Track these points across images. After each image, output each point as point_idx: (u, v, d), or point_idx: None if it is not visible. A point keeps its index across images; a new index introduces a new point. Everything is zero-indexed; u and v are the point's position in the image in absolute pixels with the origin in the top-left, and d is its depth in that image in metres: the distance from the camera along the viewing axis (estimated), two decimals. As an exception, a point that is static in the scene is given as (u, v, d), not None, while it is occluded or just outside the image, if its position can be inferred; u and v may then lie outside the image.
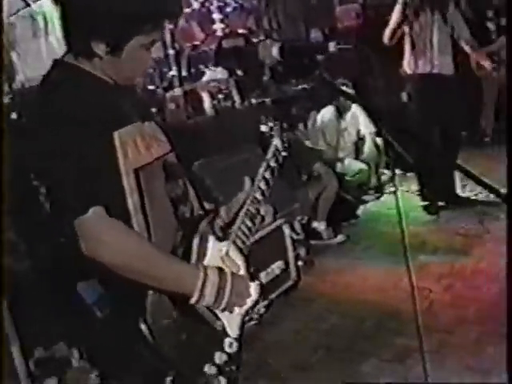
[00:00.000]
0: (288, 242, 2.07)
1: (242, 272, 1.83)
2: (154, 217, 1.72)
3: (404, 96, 6.32)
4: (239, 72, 6.73)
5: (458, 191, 5.72)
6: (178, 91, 5.71)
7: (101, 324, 1.72)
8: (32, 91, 1.79)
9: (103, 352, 1.79)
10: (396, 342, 3.62)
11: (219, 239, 1.81)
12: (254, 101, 6.26)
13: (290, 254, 2.08)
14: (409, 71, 5.39)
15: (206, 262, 1.75)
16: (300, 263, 2.20)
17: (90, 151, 1.59)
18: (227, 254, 1.81)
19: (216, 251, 1.79)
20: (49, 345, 3.25)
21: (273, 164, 2.02)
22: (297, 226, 2.07)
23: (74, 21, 1.67)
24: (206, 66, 6.38)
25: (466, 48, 5.46)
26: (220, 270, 1.74)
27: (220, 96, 5.96)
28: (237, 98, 6.07)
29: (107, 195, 1.61)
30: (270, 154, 2.02)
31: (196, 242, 1.75)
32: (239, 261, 1.83)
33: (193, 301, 1.68)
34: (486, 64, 5.80)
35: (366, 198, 6.10)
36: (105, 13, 1.61)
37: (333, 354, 3.57)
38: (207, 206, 1.93)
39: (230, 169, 4.38)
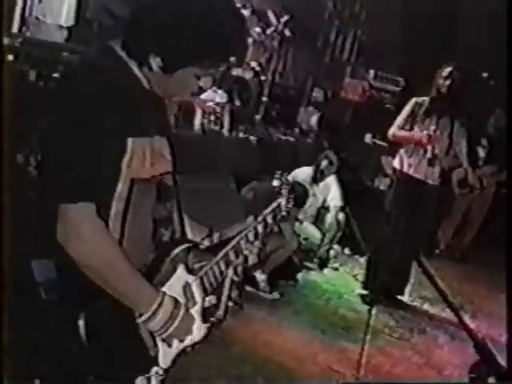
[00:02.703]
0: (227, 280, 2.08)
1: (197, 309, 1.84)
2: (131, 231, 1.72)
3: (380, 183, 6.45)
4: (237, 102, 6.80)
5: (406, 295, 5.79)
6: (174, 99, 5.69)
7: (43, 306, 1.71)
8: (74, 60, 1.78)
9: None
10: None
11: (189, 270, 1.82)
12: (241, 134, 6.33)
13: (225, 293, 2.10)
14: (397, 166, 5.41)
15: (165, 288, 1.75)
16: (230, 304, 2.20)
17: (101, 146, 1.59)
18: (189, 286, 1.82)
19: (180, 281, 1.79)
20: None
21: (269, 221, 2.06)
22: (239, 269, 2.09)
23: (142, 29, 1.68)
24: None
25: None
26: (176, 301, 1.75)
27: (212, 118, 5.99)
28: (227, 125, 6.12)
29: (102, 196, 1.62)
30: (269, 209, 2.06)
31: (165, 266, 1.76)
32: (198, 298, 1.85)
33: (140, 320, 1.68)
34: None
35: (309, 265, 6.15)
36: (175, 34, 1.63)
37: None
38: (189, 233, 1.94)
39: (199, 193, 4.37)
